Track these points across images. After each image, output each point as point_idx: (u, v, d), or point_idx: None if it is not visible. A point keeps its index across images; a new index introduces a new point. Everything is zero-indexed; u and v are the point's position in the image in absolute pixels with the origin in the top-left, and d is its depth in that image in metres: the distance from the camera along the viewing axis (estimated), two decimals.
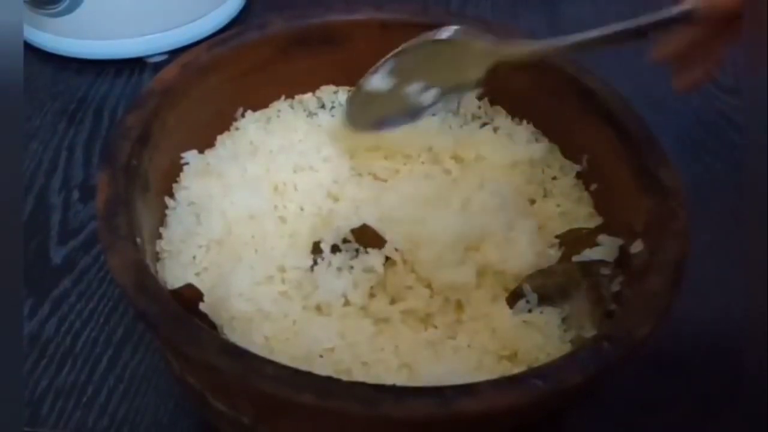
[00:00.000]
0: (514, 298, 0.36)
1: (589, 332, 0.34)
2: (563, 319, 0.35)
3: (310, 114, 0.45)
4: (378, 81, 0.39)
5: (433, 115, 0.45)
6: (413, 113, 0.40)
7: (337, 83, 0.46)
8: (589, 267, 0.36)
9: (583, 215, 0.40)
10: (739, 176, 0.52)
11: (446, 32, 0.38)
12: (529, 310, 0.36)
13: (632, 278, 0.34)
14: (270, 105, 0.45)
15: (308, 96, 0.46)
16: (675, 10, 0.33)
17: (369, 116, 0.40)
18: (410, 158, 0.43)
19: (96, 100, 0.57)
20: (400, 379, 0.32)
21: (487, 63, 0.37)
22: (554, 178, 0.42)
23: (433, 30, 0.38)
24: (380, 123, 0.40)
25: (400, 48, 0.39)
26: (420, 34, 0.39)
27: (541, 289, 0.36)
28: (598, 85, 0.40)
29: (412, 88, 0.39)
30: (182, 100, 0.39)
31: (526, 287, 0.36)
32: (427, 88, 0.39)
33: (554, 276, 0.36)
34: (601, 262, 0.36)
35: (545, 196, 0.42)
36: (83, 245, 0.47)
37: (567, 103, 0.41)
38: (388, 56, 0.39)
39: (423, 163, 0.43)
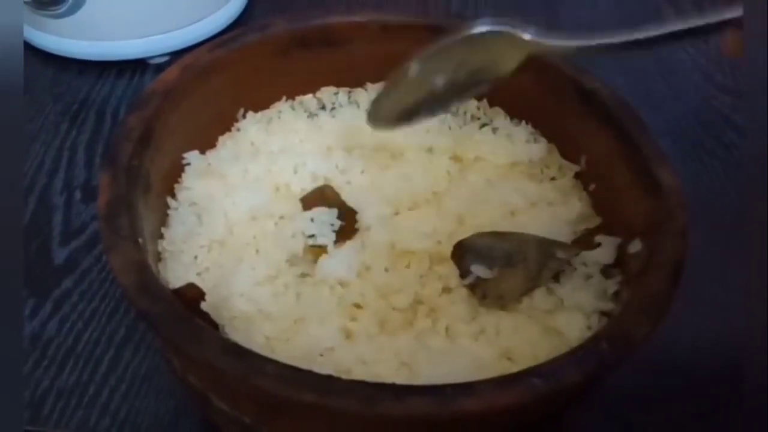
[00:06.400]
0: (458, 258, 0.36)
1: (508, 302, 0.35)
2: (486, 282, 0.35)
3: (311, 115, 0.45)
4: (412, 71, 0.36)
5: (456, 110, 0.45)
6: (440, 106, 0.38)
7: (338, 85, 0.46)
8: (545, 245, 0.36)
9: (582, 215, 0.40)
10: (738, 176, 0.53)
11: (483, 26, 0.34)
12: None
13: (631, 278, 0.34)
14: (271, 106, 0.45)
15: (309, 97, 0.46)
16: (718, 16, 0.30)
17: (395, 110, 0.38)
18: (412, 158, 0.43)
19: (98, 101, 0.57)
20: (400, 378, 0.32)
21: (522, 55, 0.34)
22: (553, 179, 0.42)
23: (458, 29, 0.35)
24: (405, 117, 0.38)
25: (434, 45, 0.35)
26: (419, 35, 0.39)
27: (486, 248, 0.35)
28: (598, 85, 0.40)
29: (441, 81, 0.36)
30: (184, 101, 0.39)
31: (474, 242, 0.34)
32: (456, 81, 0.36)
33: (506, 241, 0.35)
34: (559, 244, 0.36)
35: None
36: (85, 245, 0.47)
37: (566, 104, 0.41)
38: (422, 51, 0.36)
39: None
